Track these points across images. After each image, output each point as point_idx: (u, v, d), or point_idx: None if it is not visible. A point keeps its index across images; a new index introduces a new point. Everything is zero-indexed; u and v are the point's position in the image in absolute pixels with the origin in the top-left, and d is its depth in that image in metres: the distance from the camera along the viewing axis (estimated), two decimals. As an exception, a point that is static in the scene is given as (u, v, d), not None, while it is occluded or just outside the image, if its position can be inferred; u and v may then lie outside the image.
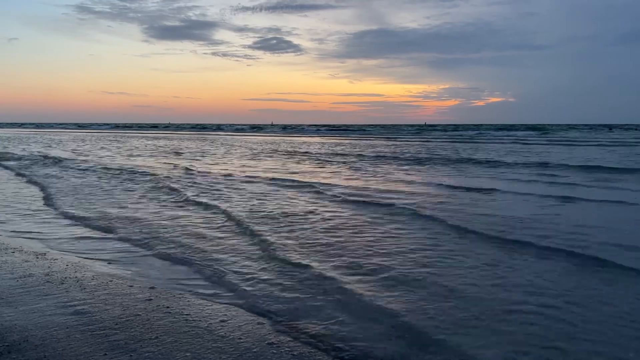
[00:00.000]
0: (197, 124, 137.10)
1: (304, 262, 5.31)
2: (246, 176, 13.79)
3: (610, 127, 77.78)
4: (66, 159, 20.16)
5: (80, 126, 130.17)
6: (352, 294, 4.38)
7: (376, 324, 3.82)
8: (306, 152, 25.30)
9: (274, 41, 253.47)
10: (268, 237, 6.39)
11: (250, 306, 4.19)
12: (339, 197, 9.91)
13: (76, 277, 4.91)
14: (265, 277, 4.90)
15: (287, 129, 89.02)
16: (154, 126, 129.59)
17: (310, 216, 7.92)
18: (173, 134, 63.92)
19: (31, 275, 4.91)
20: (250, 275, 4.96)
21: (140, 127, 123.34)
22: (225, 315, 4.01)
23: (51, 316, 3.92)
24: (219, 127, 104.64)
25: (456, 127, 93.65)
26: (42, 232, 6.87)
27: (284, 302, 4.27)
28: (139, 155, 22.74)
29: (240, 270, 5.14)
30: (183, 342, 3.49)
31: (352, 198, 9.69)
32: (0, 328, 3.70)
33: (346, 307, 4.14)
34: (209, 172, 14.87)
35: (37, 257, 5.57)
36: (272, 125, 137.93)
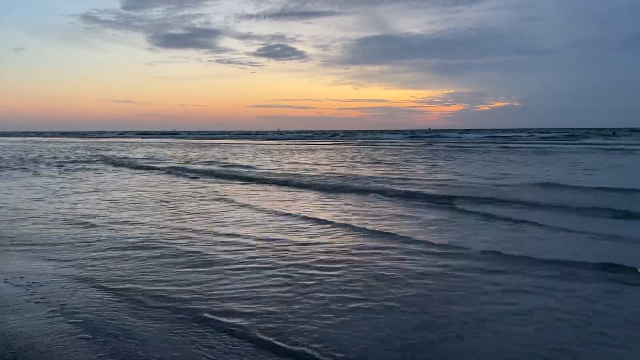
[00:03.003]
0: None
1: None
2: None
3: (613, 132, 76.84)
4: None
5: (120, 134, 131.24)
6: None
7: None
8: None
9: (278, 48, 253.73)
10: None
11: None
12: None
13: (82, 284, 4.96)
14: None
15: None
16: (163, 133, 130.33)
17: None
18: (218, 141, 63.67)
19: (38, 282, 4.97)
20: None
21: (153, 134, 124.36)
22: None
23: (57, 323, 3.96)
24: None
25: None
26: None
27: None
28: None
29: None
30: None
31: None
32: (6, 335, 3.74)
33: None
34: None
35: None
36: (279, 131, 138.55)
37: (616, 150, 30.40)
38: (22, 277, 5.13)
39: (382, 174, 16.45)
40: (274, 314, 4.16)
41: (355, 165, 20.95)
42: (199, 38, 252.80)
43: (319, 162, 22.71)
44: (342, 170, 17.91)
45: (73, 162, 24.21)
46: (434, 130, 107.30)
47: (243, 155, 30.31)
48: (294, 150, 37.04)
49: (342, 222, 8.02)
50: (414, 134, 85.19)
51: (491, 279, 4.99)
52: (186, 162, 23.33)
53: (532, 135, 67.22)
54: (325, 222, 8.07)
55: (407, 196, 10.89)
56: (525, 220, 7.91)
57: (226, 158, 26.94)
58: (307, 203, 10.32)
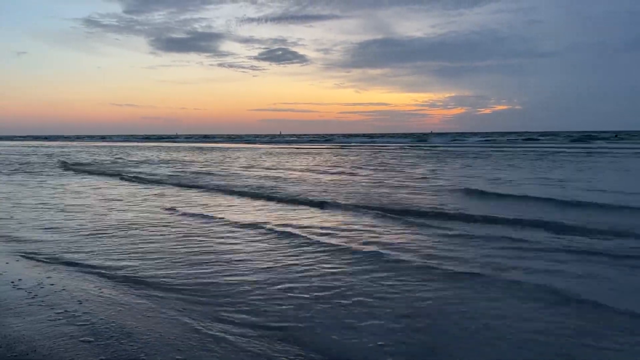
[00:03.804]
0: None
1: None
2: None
3: (616, 134, 77.20)
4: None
5: (102, 138, 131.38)
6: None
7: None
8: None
9: (280, 52, 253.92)
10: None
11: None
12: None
13: (83, 287, 4.96)
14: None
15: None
16: (164, 137, 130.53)
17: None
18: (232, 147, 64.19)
19: (40, 285, 4.96)
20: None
21: (149, 138, 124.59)
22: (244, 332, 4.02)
23: (58, 326, 3.95)
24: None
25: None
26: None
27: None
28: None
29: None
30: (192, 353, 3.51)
31: None
32: (8, 338, 3.73)
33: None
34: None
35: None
36: (280, 134, 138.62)
37: (618, 154, 30.39)
38: (22, 280, 5.14)
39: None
40: (278, 317, 4.17)
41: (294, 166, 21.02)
42: (200, 42, 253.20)
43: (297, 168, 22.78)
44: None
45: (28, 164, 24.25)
46: (434, 134, 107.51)
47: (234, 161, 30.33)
48: (274, 154, 37.12)
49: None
50: (418, 138, 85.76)
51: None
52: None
53: (535, 139, 67.28)
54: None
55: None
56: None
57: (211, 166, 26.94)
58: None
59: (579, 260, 5.75)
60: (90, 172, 19.87)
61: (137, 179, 16.55)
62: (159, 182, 15.49)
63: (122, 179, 16.89)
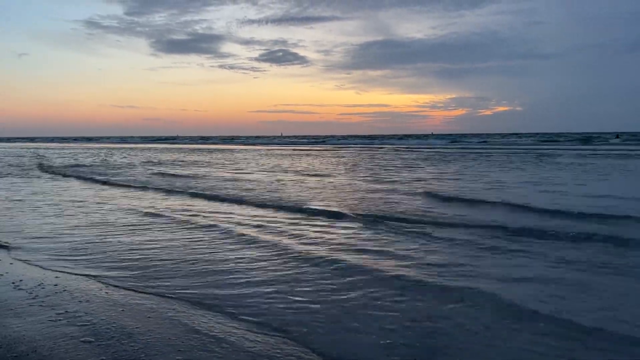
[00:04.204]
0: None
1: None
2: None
3: (617, 135, 77.49)
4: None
5: (95, 139, 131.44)
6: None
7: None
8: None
9: (280, 53, 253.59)
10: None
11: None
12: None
13: (84, 288, 4.96)
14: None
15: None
16: (169, 138, 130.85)
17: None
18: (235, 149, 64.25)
19: (40, 286, 4.97)
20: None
21: (148, 140, 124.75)
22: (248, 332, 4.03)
23: (59, 327, 3.95)
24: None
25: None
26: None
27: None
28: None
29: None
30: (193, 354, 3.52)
31: None
32: (9, 339, 3.74)
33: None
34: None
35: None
36: (281, 136, 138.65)
37: (618, 155, 30.40)
38: (23, 281, 5.14)
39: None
40: (279, 319, 4.17)
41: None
42: (201, 43, 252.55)
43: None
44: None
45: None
46: (434, 135, 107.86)
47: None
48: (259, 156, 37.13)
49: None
50: (417, 139, 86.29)
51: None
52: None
53: (535, 141, 67.31)
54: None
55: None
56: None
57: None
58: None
59: (573, 270, 5.76)
60: (80, 177, 19.86)
61: (131, 183, 16.49)
62: (156, 189, 15.39)
63: (117, 184, 16.82)
